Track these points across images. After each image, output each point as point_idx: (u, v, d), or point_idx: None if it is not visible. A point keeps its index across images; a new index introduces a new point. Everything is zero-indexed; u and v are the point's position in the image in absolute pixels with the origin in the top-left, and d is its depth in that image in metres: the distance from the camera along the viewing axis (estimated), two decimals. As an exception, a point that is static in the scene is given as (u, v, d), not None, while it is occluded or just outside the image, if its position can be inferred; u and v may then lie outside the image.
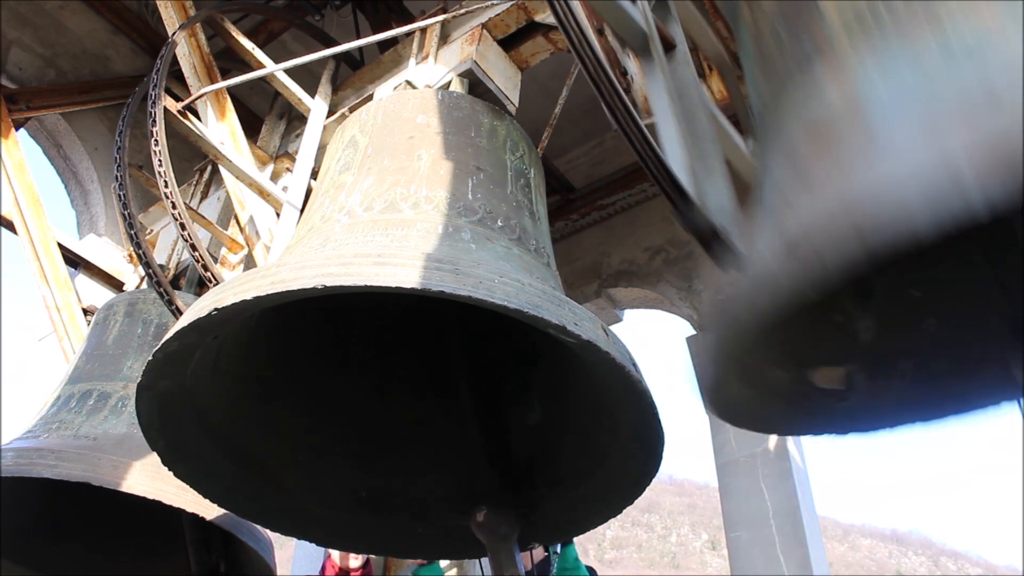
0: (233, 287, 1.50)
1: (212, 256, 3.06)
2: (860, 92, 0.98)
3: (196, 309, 1.53)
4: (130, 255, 4.08)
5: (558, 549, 3.53)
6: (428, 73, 2.77)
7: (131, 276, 4.01)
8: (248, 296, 1.45)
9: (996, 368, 1.31)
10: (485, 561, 2.39)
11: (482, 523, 1.89)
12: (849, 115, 0.97)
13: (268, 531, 2.54)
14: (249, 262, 3.09)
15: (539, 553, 3.52)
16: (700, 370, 1.21)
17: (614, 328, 4.05)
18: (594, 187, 5.73)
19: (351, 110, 3.06)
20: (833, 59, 1.05)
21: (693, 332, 4.94)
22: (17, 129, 4.13)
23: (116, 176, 2.93)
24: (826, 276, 0.84)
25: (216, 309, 1.47)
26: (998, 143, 0.73)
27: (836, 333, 1.41)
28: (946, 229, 0.73)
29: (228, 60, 3.94)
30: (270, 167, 3.44)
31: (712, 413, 1.34)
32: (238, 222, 3.14)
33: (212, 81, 3.31)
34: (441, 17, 2.87)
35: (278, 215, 3.04)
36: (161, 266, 3.37)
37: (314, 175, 3.04)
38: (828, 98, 1.03)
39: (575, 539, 3.44)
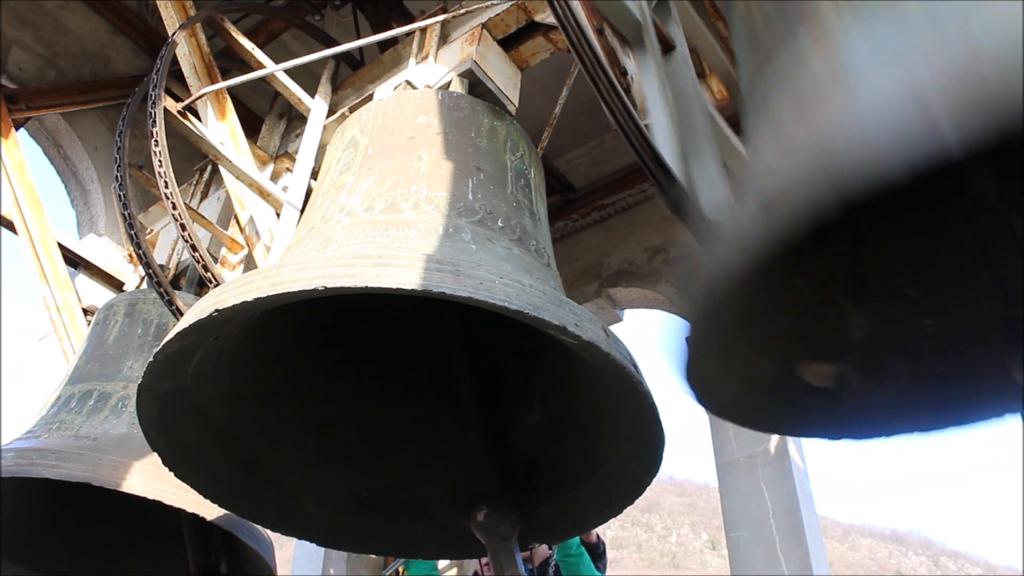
0: (234, 288, 1.50)
1: (212, 256, 3.06)
2: (843, 58, 0.94)
3: (197, 310, 1.53)
4: (130, 255, 4.08)
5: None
6: (428, 73, 2.77)
7: (131, 276, 4.00)
8: (249, 297, 1.45)
9: (996, 374, 1.28)
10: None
11: (482, 523, 1.89)
12: (831, 81, 0.94)
13: (268, 531, 2.54)
14: (249, 262, 3.09)
15: (542, 552, 3.52)
16: (676, 346, 1.15)
17: (614, 328, 4.05)
18: (594, 187, 5.73)
19: (351, 110, 3.05)
20: (817, 28, 1.01)
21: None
22: (17, 129, 4.12)
23: (116, 176, 2.93)
24: (797, 226, 0.81)
25: (217, 310, 1.46)
26: (970, 78, 0.70)
27: (828, 329, 1.36)
28: (919, 168, 0.70)
29: (228, 60, 3.94)
30: (270, 167, 3.44)
31: (690, 394, 1.27)
32: (238, 222, 3.14)
33: (212, 81, 3.30)
34: (441, 17, 2.86)
35: (278, 215, 3.04)
36: (161, 266, 3.37)
37: (314, 175, 3.04)
38: (812, 67, 0.99)
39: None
